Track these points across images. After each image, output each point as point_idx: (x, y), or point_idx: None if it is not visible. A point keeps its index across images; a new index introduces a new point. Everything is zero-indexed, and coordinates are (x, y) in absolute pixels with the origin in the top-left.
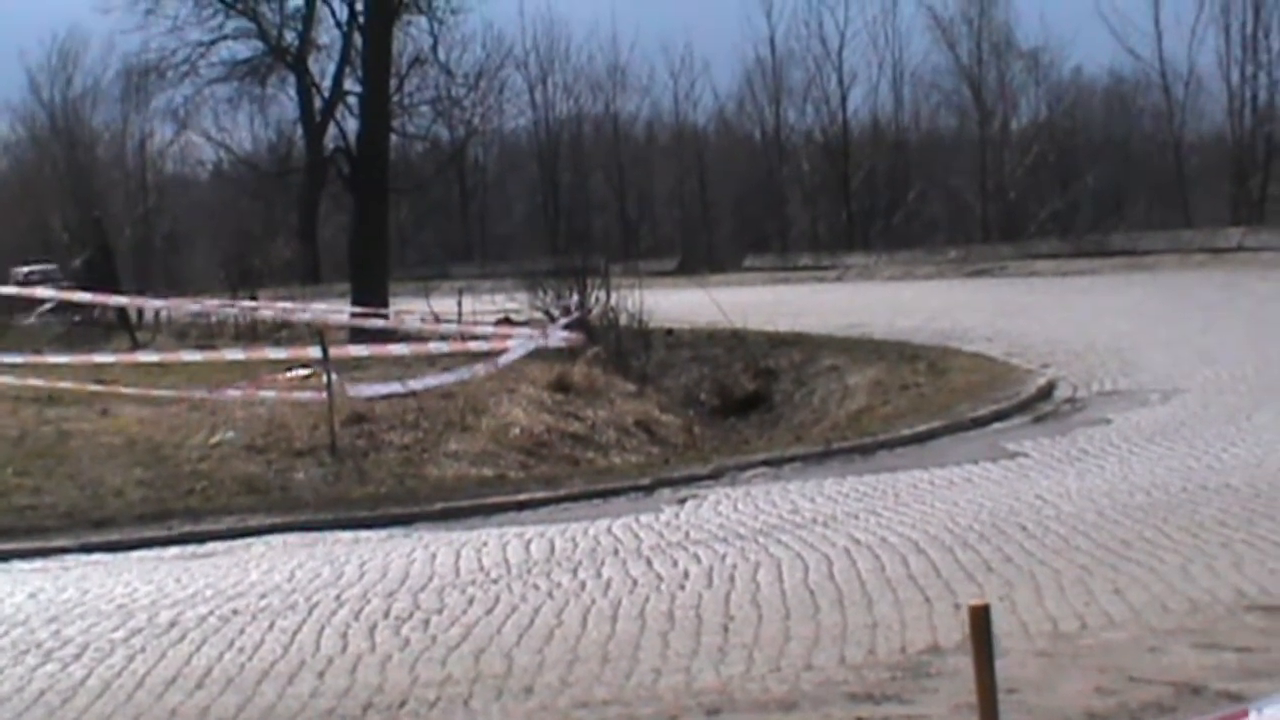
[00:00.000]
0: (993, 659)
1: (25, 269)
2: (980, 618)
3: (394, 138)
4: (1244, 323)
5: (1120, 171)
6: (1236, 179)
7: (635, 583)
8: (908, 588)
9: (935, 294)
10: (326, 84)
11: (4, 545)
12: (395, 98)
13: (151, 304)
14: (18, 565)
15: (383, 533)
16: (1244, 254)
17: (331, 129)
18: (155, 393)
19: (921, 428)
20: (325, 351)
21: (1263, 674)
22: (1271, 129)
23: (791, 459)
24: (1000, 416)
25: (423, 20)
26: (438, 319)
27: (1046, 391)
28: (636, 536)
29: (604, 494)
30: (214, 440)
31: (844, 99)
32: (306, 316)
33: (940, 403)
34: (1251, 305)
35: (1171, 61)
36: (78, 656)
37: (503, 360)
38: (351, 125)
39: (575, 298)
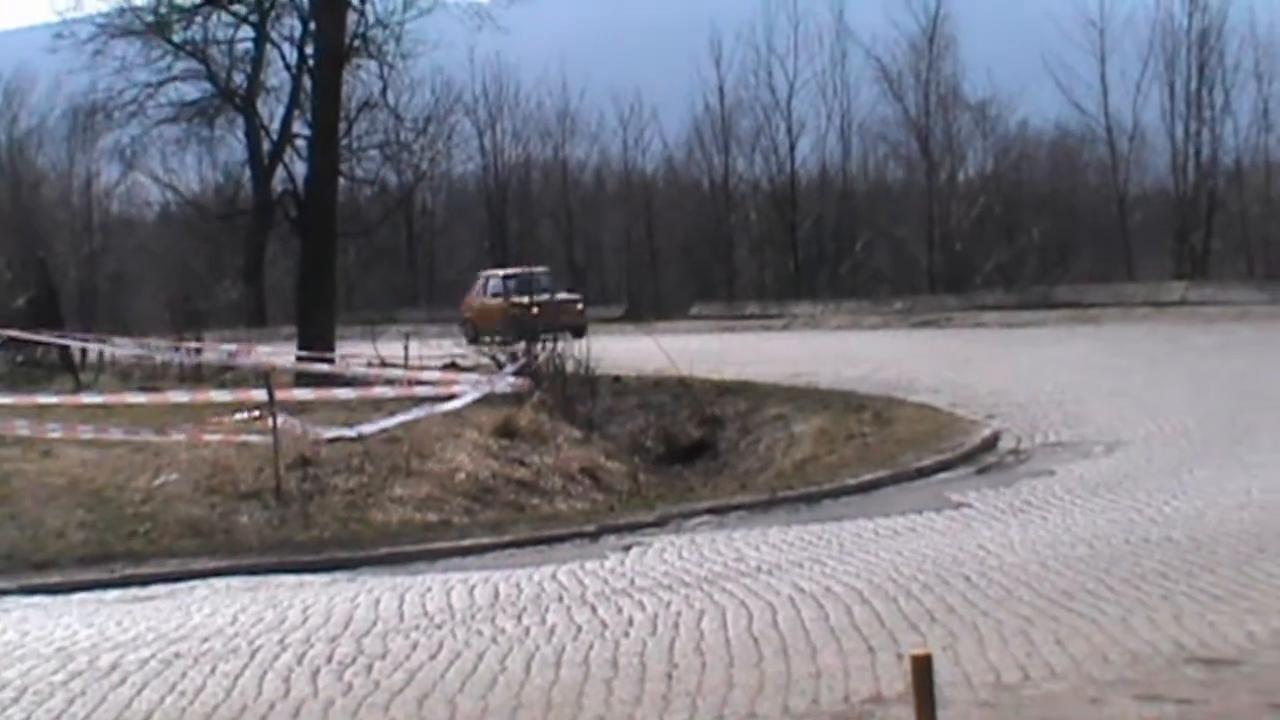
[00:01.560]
0: (935, 709)
1: None
2: (922, 668)
3: (342, 181)
4: (1186, 376)
5: (1065, 224)
6: (1179, 233)
7: (579, 629)
8: (851, 637)
9: (881, 344)
10: (275, 126)
11: None
12: (344, 141)
13: (95, 345)
14: None
15: (327, 577)
16: (1186, 308)
17: (280, 172)
18: (104, 435)
19: (867, 477)
20: (271, 394)
21: None
22: (1214, 184)
23: (737, 507)
24: (945, 467)
25: (372, 64)
26: (384, 363)
27: (991, 443)
28: (581, 583)
29: (549, 540)
30: (157, 482)
31: (792, 149)
32: (250, 361)
33: (885, 453)
34: (1193, 359)
35: (1116, 116)
36: (16, 700)
37: (452, 406)
38: (300, 168)
39: (522, 344)
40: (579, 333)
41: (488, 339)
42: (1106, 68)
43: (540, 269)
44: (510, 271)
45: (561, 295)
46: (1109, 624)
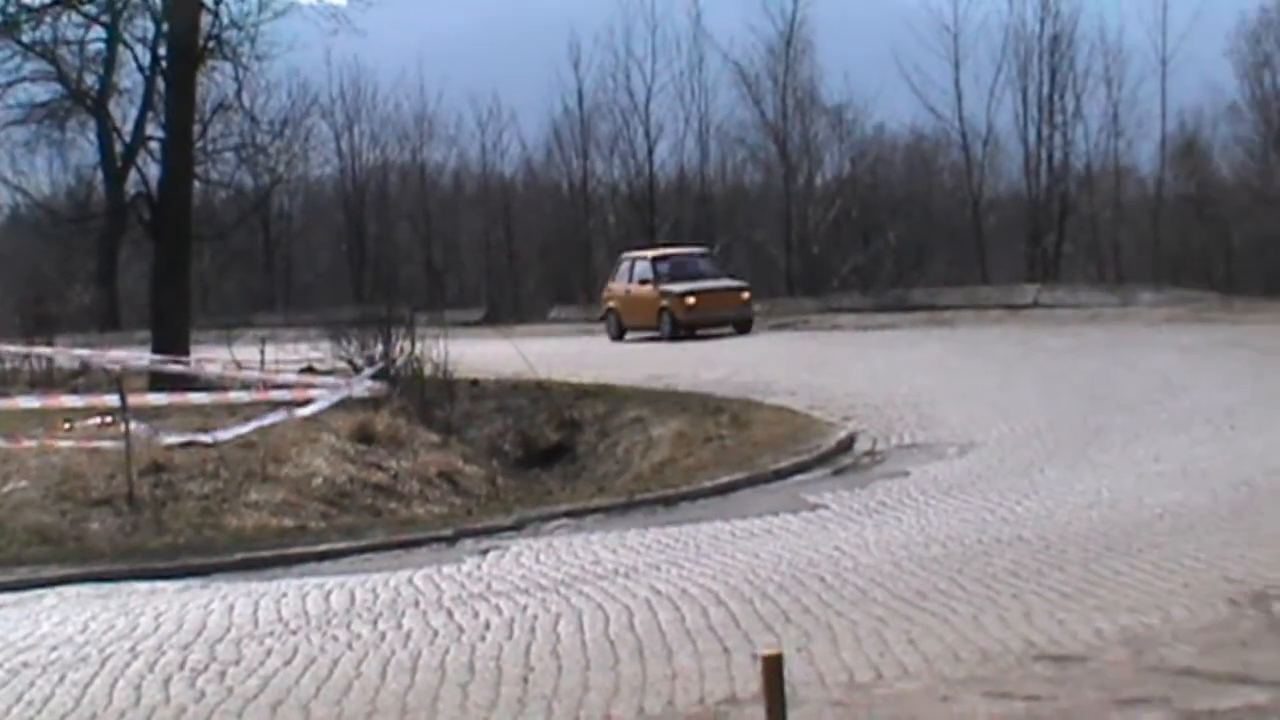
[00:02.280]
0: (785, 709)
1: None
2: (773, 668)
3: (197, 184)
4: (1038, 378)
5: (921, 227)
6: (1032, 237)
7: (436, 634)
8: (707, 638)
9: (739, 347)
10: (128, 129)
11: None
12: (198, 144)
13: None
14: None
15: (180, 583)
16: (1039, 310)
17: (133, 174)
18: None
19: (724, 479)
20: (124, 400)
21: None
22: (1065, 188)
23: (594, 510)
24: (801, 469)
25: (227, 66)
26: (240, 367)
27: (847, 444)
28: (438, 587)
29: (406, 545)
30: (6, 489)
31: (650, 152)
32: (102, 365)
33: (743, 455)
34: (1045, 361)
35: (971, 121)
36: None
37: (309, 411)
38: (154, 171)
39: (380, 347)
40: (744, 326)
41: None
42: (961, 73)
43: (699, 249)
44: (662, 252)
45: (725, 281)
46: (961, 623)
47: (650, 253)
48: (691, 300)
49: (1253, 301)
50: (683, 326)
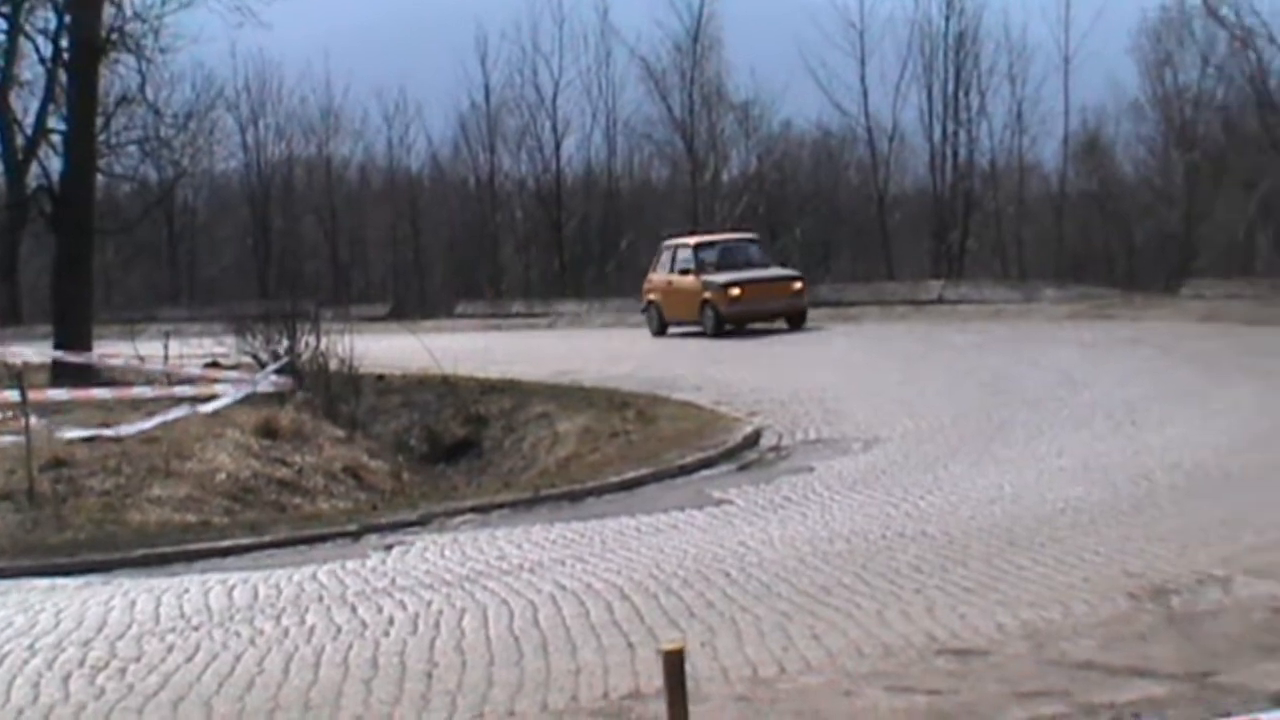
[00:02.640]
0: (686, 704)
1: None
2: (675, 663)
3: (100, 177)
4: (943, 373)
5: (827, 224)
6: (937, 233)
7: (339, 630)
8: (611, 634)
9: (646, 342)
10: (29, 121)
11: None
12: (101, 137)
13: None
14: None
15: (80, 580)
16: (944, 306)
17: (34, 167)
18: None
19: (629, 475)
20: (24, 394)
21: (951, 716)
22: (970, 185)
23: (500, 505)
24: (707, 464)
25: (130, 58)
26: (143, 361)
27: (752, 440)
28: (342, 583)
29: (310, 540)
30: None
31: (558, 147)
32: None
33: (648, 450)
34: (950, 356)
35: (877, 117)
36: None
37: (214, 407)
38: (56, 164)
39: (285, 342)
40: (797, 320)
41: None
42: (866, 69)
43: (747, 235)
44: (706, 239)
45: (774, 270)
46: (864, 617)
47: (693, 239)
48: (736, 291)
49: (1153, 298)
50: (727, 320)
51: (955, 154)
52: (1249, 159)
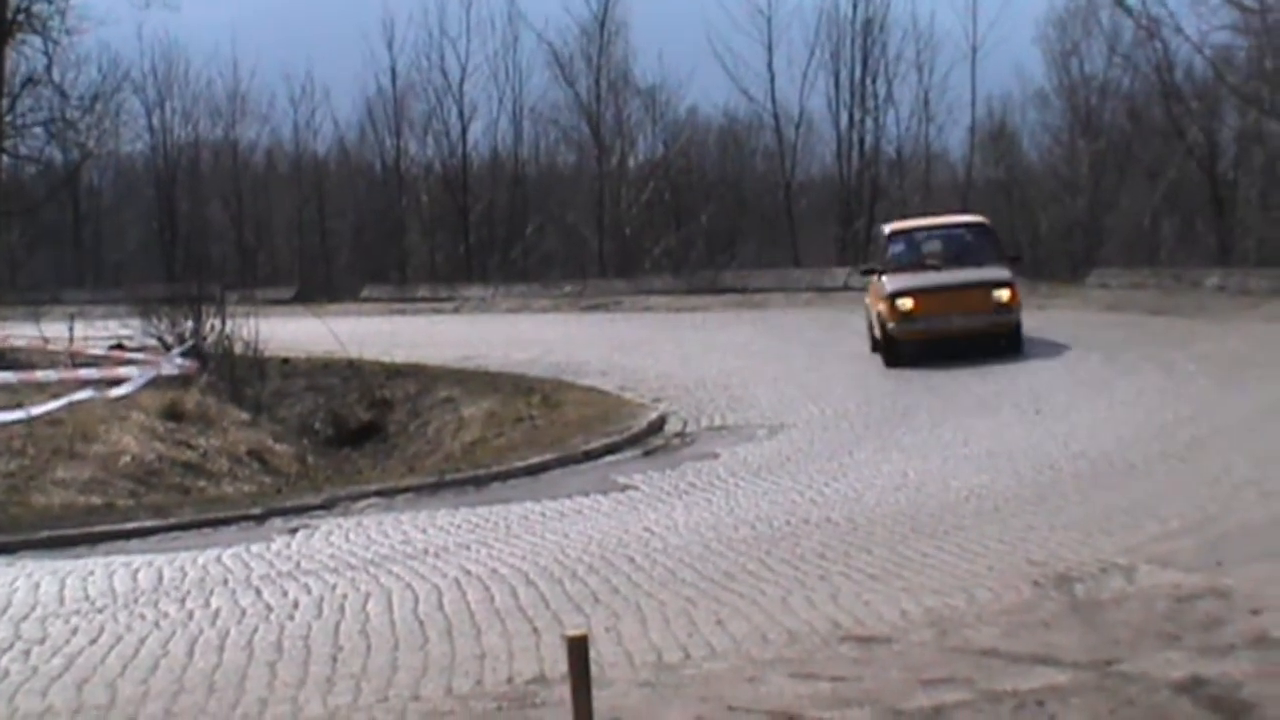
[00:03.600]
0: (590, 689)
1: None
2: (578, 648)
3: (5, 159)
4: (848, 361)
5: (733, 210)
6: (843, 220)
7: (244, 612)
8: (516, 618)
9: (551, 327)
10: None
11: None
12: (6, 118)
13: None
14: None
15: None
16: (850, 293)
17: None
18: None
19: (534, 460)
20: None
21: (854, 702)
22: (876, 172)
23: (405, 490)
24: (612, 450)
25: (36, 40)
26: (48, 344)
27: (657, 426)
28: (246, 566)
29: (214, 523)
30: None
31: (464, 132)
32: None
33: (553, 435)
34: (856, 344)
35: (784, 104)
36: None
37: (121, 390)
38: None
39: (190, 325)
40: (1007, 341)
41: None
42: (774, 56)
43: (972, 219)
44: (902, 225)
45: (970, 274)
46: (769, 604)
47: (891, 225)
48: (908, 304)
49: (1058, 287)
50: (898, 343)
51: (862, 141)
52: (1154, 148)
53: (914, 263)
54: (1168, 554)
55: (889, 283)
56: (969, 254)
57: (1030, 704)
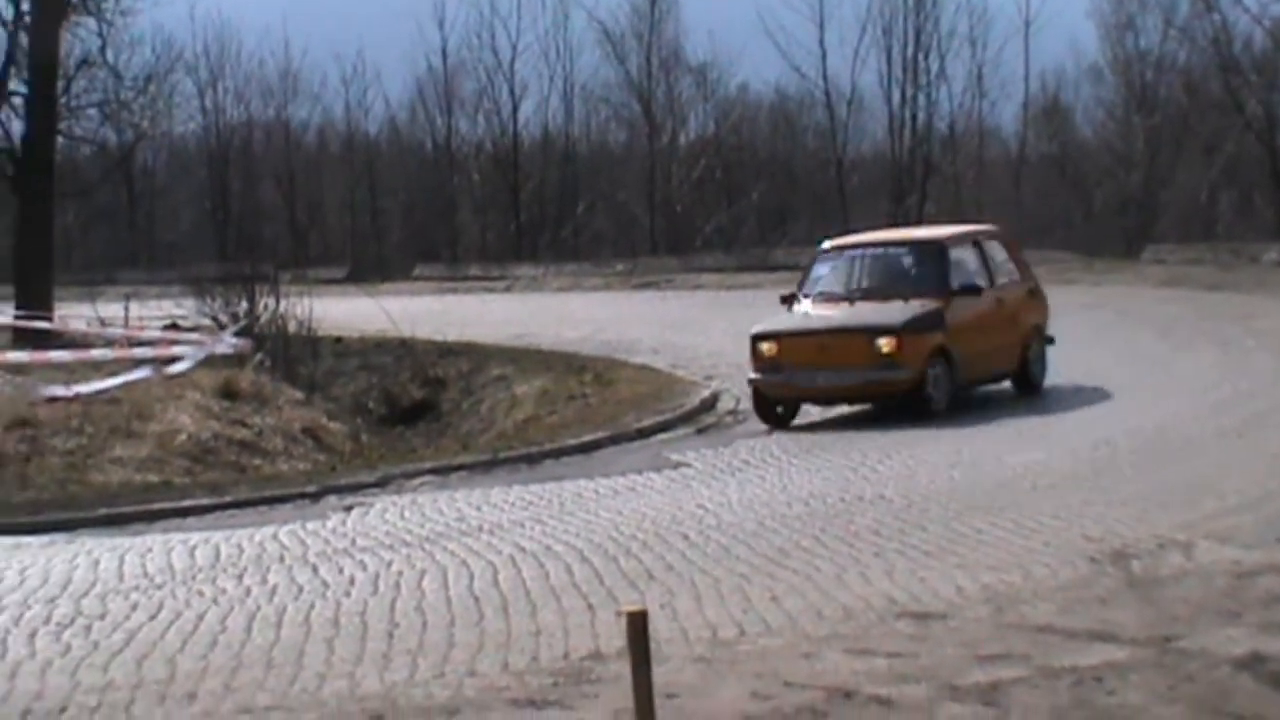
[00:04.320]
0: (649, 664)
1: None
2: (637, 624)
3: (60, 140)
4: None
5: (785, 187)
6: (895, 196)
7: (300, 589)
8: (571, 595)
9: (603, 306)
10: None
11: None
12: (62, 99)
13: None
14: None
15: (44, 538)
16: None
17: None
18: None
19: (587, 438)
20: None
21: (910, 678)
22: (929, 149)
23: (458, 467)
24: (665, 427)
25: (91, 21)
26: (104, 324)
27: (710, 403)
28: (302, 543)
29: (270, 501)
30: None
31: (515, 110)
32: None
33: (606, 413)
34: None
35: (835, 81)
36: None
37: (176, 369)
38: (17, 127)
39: (244, 305)
40: (912, 399)
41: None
42: (825, 33)
43: (931, 234)
44: (863, 240)
45: (881, 311)
46: (823, 580)
47: (839, 241)
48: (770, 350)
49: (1113, 263)
50: (762, 398)
51: (914, 118)
52: (1211, 122)
53: (832, 292)
54: (1226, 530)
55: (768, 320)
56: (902, 283)
57: (1088, 680)
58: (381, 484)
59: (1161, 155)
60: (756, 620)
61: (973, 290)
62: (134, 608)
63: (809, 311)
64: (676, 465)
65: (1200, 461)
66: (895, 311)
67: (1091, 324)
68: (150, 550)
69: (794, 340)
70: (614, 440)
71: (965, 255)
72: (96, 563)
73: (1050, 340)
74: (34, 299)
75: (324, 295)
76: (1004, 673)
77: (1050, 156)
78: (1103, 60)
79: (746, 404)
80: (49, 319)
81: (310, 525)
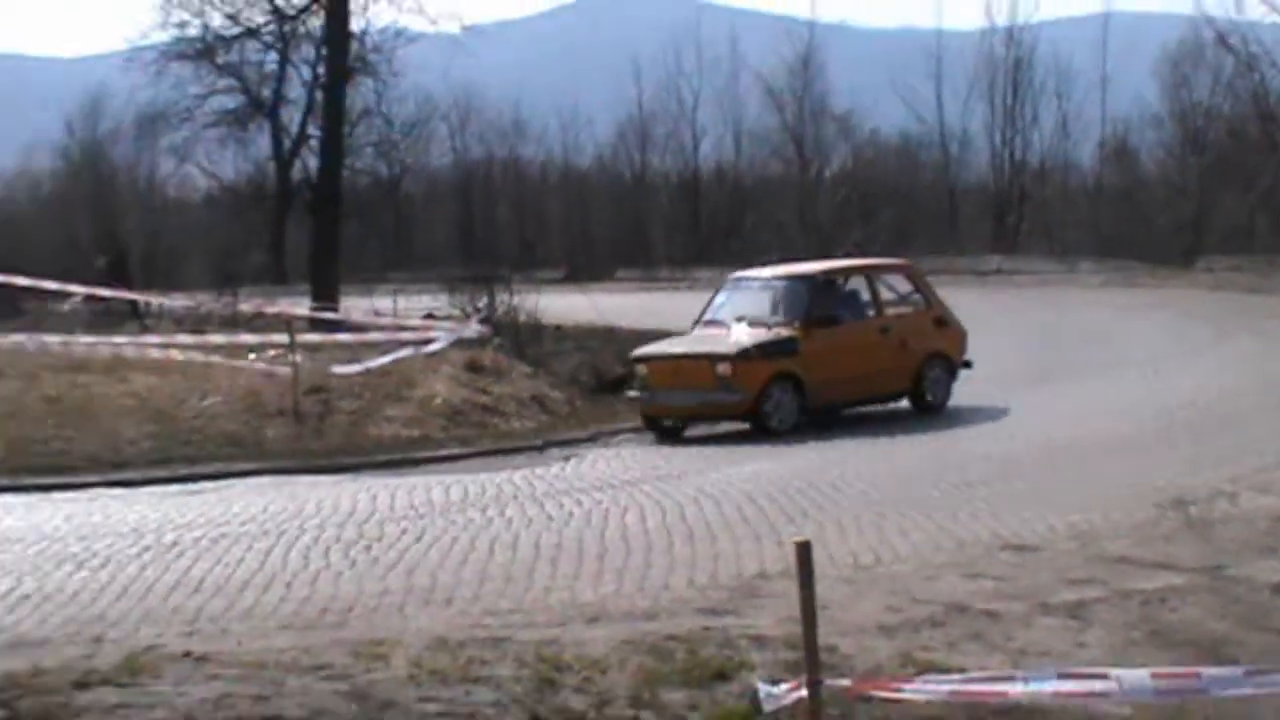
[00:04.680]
0: (813, 583)
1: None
2: (804, 551)
3: (345, 172)
4: (1002, 328)
5: (907, 211)
6: (997, 217)
7: (530, 520)
8: (742, 528)
9: None
10: (294, 129)
11: (44, 480)
12: (347, 141)
13: (155, 299)
14: (55, 496)
15: (335, 478)
16: (1000, 275)
17: (297, 165)
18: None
19: None
20: (292, 338)
21: (1012, 597)
22: (1023, 180)
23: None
24: None
25: (369, 81)
26: (377, 314)
27: None
28: (531, 485)
29: (506, 451)
30: (204, 404)
31: (695, 149)
32: (274, 311)
33: None
34: (1007, 314)
35: (948, 125)
36: (103, 566)
37: (432, 348)
38: (313, 162)
39: (485, 299)
40: (752, 420)
41: None
42: (942, 88)
43: (821, 268)
44: (759, 273)
45: (730, 337)
46: (942, 519)
47: (744, 272)
48: (643, 371)
49: (1171, 271)
50: (646, 419)
51: (1012, 155)
52: (1251, 160)
53: (717, 319)
54: (1265, 483)
55: (649, 345)
56: (771, 313)
57: (1154, 600)
58: (592, 439)
59: (1210, 187)
60: (889, 550)
61: (833, 321)
62: (403, 532)
63: (696, 335)
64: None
65: (1243, 430)
66: (744, 338)
67: (1153, 320)
68: (415, 488)
69: (657, 364)
70: None
71: (847, 288)
72: (374, 497)
73: (967, 364)
74: (325, 295)
75: (546, 292)
76: (1087, 593)
77: (1121, 187)
78: (1163, 110)
79: None
80: (336, 310)
81: (537, 471)
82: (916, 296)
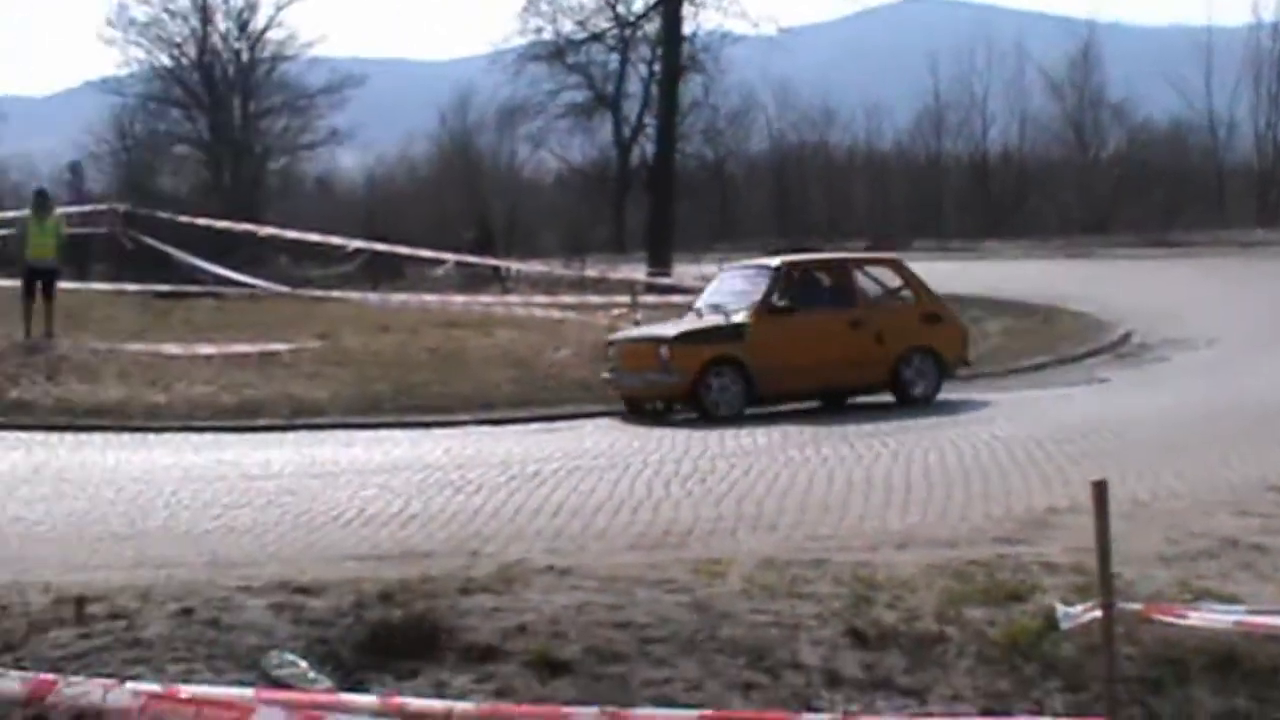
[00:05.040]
0: (1107, 516)
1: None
2: (1101, 490)
3: (677, 156)
4: (1264, 295)
5: (1176, 190)
6: (1259, 194)
7: (843, 459)
8: (1030, 468)
9: (1045, 270)
10: (633, 119)
11: (425, 418)
12: (679, 129)
13: (516, 265)
14: (435, 432)
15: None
16: (1265, 247)
17: (636, 150)
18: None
19: (1038, 360)
20: (634, 298)
21: (1278, 532)
22: None
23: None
24: (1093, 354)
25: (698, 77)
26: (704, 280)
27: (1125, 338)
28: (844, 428)
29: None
30: (558, 354)
31: (984, 135)
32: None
33: (1050, 344)
34: (1266, 283)
35: (1216, 111)
36: (476, 491)
37: None
38: (649, 148)
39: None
40: (690, 403)
41: None
42: (1210, 75)
43: (791, 259)
44: (742, 262)
45: (677, 324)
46: (1213, 462)
47: (731, 263)
48: (613, 353)
49: None
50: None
51: (1275, 138)
52: None
53: (696, 305)
54: None
55: (631, 328)
56: (735, 301)
57: None
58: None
59: None
60: (1165, 490)
61: (792, 310)
62: (732, 467)
63: (678, 319)
64: (1102, 381)
65: None
66: (689, 324)
67: None
68: (742, 429)
69: (620, 346)
70: (1057, 363)
71: (823, 281)
72: (704, 438)
73: (965, 362)
74: (660, 262)
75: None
76: None
77: None
78: None
79: (1152, 339)
80: (669, 275)
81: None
82: (906, 292)
